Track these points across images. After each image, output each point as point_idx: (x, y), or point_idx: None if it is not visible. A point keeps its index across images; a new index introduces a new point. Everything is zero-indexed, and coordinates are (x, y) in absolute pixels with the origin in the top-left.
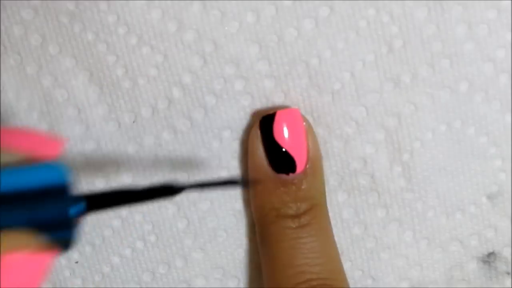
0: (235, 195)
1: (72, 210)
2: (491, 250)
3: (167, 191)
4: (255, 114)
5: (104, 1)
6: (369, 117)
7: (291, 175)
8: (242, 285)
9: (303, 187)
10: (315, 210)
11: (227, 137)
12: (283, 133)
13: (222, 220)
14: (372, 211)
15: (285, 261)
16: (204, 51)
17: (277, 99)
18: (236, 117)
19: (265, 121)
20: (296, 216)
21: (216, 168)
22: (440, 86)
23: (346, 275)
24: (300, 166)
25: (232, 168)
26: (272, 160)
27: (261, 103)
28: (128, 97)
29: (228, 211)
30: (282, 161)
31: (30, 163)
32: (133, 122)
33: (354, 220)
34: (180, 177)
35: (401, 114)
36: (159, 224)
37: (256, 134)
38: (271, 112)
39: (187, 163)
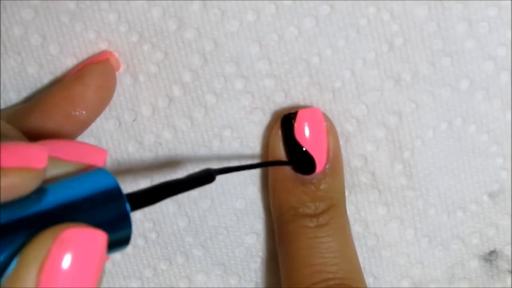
0: (236, 193)
1: (128, 209)
2: (492, 249)
3: (206, 178)
4: (277, 114)
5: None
6: (369, 115)
7: (310, 174)
8: (243, 282)
9: (321, 187)
10: (333, 210)
11: (227, 136)
12: (304, 133)
13: (223, 218)
14: (373, 209)
15: (302, 260)
16: (204, 49)
17: (278, 98)
18: (237, 116)
19: (286, 120)
20: (314, 215)
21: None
22: (440, 84)
23: (363, 275)
24: (319, 166)
25: None
26: (291, 159)
27: (262, 102)
28: (129, 95)
29: (228, 210)
30: (301, 161)
31: (82, 172)
32: (134, 120)
33: (355, 218)
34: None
35: (402, 112)
36: (160, 222)
37: (277, 132)
38: (293, 111)
39: (187, 162)
